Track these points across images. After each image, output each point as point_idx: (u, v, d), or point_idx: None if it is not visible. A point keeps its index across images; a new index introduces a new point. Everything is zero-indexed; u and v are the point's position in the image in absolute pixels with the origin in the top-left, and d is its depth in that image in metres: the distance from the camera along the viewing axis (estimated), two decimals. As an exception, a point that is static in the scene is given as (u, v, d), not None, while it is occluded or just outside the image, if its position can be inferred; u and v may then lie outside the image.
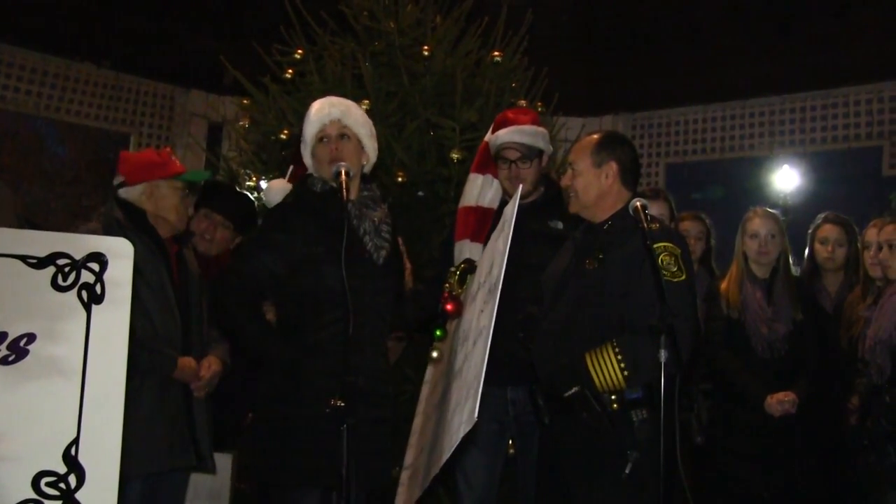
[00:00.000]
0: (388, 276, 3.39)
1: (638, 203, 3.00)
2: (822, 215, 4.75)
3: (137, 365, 3.04)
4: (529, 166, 3.87)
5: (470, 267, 3.45)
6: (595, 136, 3.41)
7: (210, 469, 3.61)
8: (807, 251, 4.79)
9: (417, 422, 3.68)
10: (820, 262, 4.66)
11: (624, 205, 3.24)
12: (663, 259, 3.03)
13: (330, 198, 3.28)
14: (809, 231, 4.75)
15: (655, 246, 3.00)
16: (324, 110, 3.40)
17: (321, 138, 3.39)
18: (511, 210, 3.04)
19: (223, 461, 4.00)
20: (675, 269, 3.04)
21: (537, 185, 3.94)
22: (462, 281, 3.41)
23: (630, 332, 3.03)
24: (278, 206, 3.46)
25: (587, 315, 3.15)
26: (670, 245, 3.08)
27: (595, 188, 3.32)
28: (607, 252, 3.18)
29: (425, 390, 3.75)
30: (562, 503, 3.20)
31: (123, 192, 3.53)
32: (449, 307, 3.29)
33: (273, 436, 3.22)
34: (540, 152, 3.93)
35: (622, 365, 2.97)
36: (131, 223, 3.43)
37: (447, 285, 3.39)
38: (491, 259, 3.10)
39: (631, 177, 3.37)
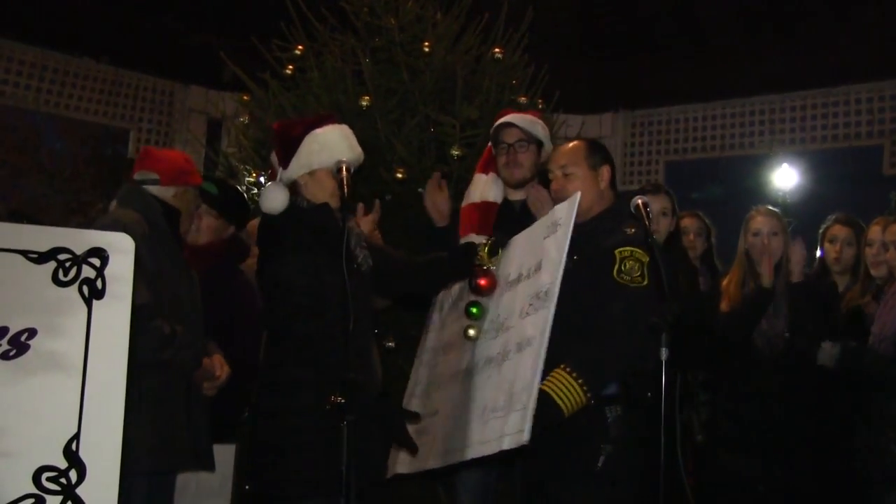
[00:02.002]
0: (370, 281, 3.40)
1: (640, 201, 2.99)
2: (832, 216, 4.74)
3: (163, 360, 3.10)
4: (527, 150, 3.85)
5: (500, 240, 3.44)
6: (582, 142, 3.47)
7: (209, 467, 3.60)
8: (817, 251, 4.79)
9: (422, 372, 3.68)
10: (829, 262, 4.66)
11: (609, 205, 3.32)
12: (626, 263, 3.05)
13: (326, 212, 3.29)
14: (820, 231, 4.75)
15: (621, 250, 3.05)
16: (356, 149, 3.37)
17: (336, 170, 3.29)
18: (568, 212, 3.00)
19: (225, 453, 4.00)
20: (636, 275, 3.04)
21: (533, 178, 3.92)
22: (493, 252, 3.40)
23: (582, 339, 3.01)
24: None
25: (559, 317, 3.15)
26: (638, 251, 3.07)
27: (592, 192, 3.31)
28: (583, 252, 3.18)
29: (431, 337, 3.75)
30: (540, 497, 3.21)
31: (155, 191, 3.49)
32: (483, 282, 3.31)
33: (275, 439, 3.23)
34: (539, 143, 3.92)
35: (580, 381, 2.93)
36: (167, 222, 3.41)
37: (478, 257, 3.39)
38: (536, 256, 3.08)
39: (615, 180, 3.45)
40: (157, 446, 3.18)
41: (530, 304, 2.96)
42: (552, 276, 2.89)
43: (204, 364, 3.41)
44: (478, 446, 2.96)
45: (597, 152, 3.40)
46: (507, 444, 2.75)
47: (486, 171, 4.02)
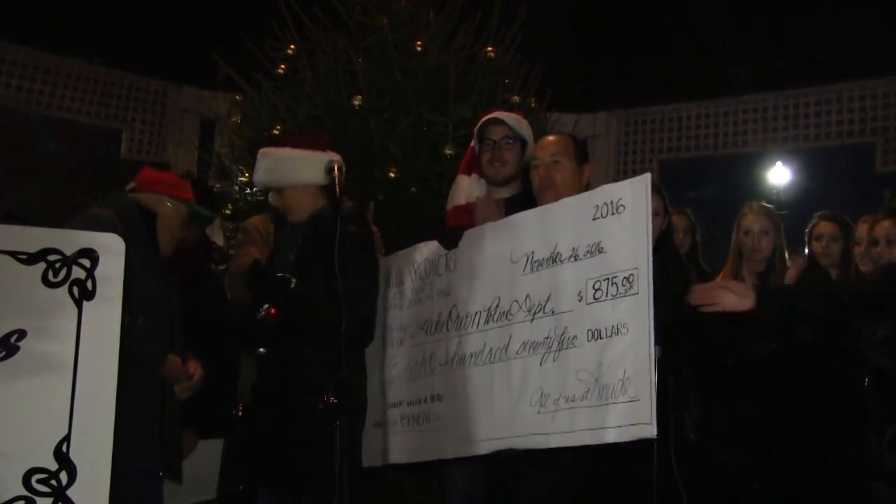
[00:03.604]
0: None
1: None
2: (817, 213, 4.75)
3: (129, 352, 3.03)
4: (512, 148, 3.81)
5: (454, 232, 3.40)
6: (567, 135, 3.48)
7: (176, 478, 3.56)
8: (805, 249, 4.79)
9: (396, 354, 3.47)
10: (816, 258, 4.67)
11: None
12: None
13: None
14: (807, 230, 4.76)
15: None
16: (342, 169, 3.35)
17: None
18: (635, 193, 2.79)
19: (211, 448, 4.00)
20: None
21: (517, 177, 3.90)
22: (451, 245, 3.38)
23: None
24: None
25: None
26: None
27: (576, 186, 3.28)
28: None
29: (397, 315, 3.52)
30: (507, 474, 3.21)
31: (133, 196, 3.49)
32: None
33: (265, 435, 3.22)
34: (523, 142, 3.91)
35: None
36: (142, 221, 3.41)
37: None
38: (588, 237, 2.86)
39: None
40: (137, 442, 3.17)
41: (597, 289, 2.77)
42: (635, 262, 2.68)
43: (176, 365, 3.39)
44: (556, 436, 2.78)
45: (582, 150, 3.42)
46: (619, 436, 2.61)
47: (468, 173, 3.99)
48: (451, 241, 3.36)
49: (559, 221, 2.98)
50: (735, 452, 4.26)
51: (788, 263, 4.45)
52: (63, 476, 2.36)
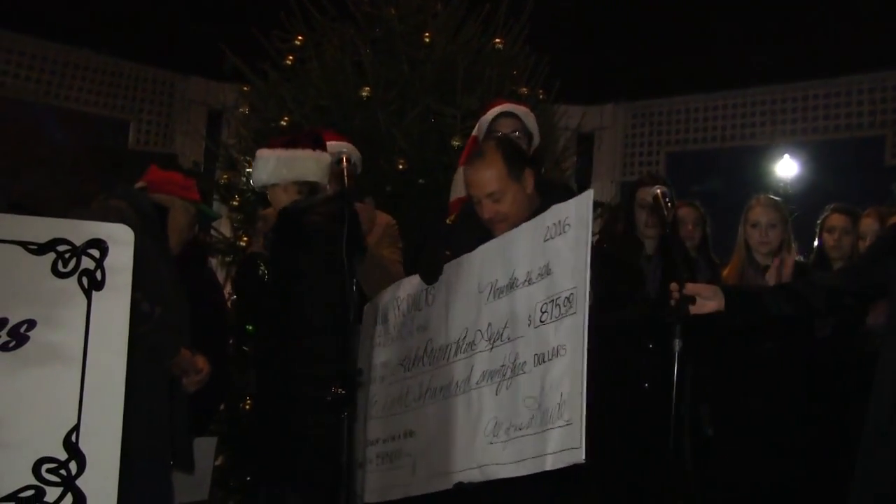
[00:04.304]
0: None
1: (658, 191, 2.94)
2: (829, 206, 4.75)
3: (141, 342, 3.03)
4: (521, 140, 3.80)
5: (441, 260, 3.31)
6: (499, 159, 3.19)
7: (188, 469, 3.58)
8: (815, 241, 4.78)
9: (378, 391, 3.45)
10: (827, 251, 4.66)
11: (536, 206, 3.15)
12: None
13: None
14: (818, 221, 4.75)
15: None
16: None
17: None
18: (578, 211, 2.79)
19: (205, 445, 4.01)
20: None
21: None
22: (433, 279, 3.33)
23: None
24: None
25: None
26: None
27: (522, 203, 3.20)
28: None
29: (381, 352, 3.50)
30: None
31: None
32: None
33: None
34: (530, 135, 3.89)
35: None
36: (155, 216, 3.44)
37: None
38: (539, 260, 2.86)
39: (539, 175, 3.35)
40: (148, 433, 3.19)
41: (543, 312, 2.76)
42: (574, 280, 2.67)
43: (186, 357, 3.40)
44: (506, 467, 2.75)
45: (515, 161, 3.23)
46: (554, 463, 2.58)
47: None
48: (430, 274, 3.31)
49: (516, 247, 2.98)
50: (748, 448, 4.24)
51: (798, 258, 4.44)
52: (72, 466, 2.37)
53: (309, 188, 3.68)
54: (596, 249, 2.93)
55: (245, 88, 5.72)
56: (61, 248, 2.49)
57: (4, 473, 2.34)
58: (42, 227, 2.51)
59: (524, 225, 3.02)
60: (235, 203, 5.47)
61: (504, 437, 2.80)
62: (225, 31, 6.00)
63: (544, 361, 2.71)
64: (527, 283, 2.88)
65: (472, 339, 3.05)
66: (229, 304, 4.79)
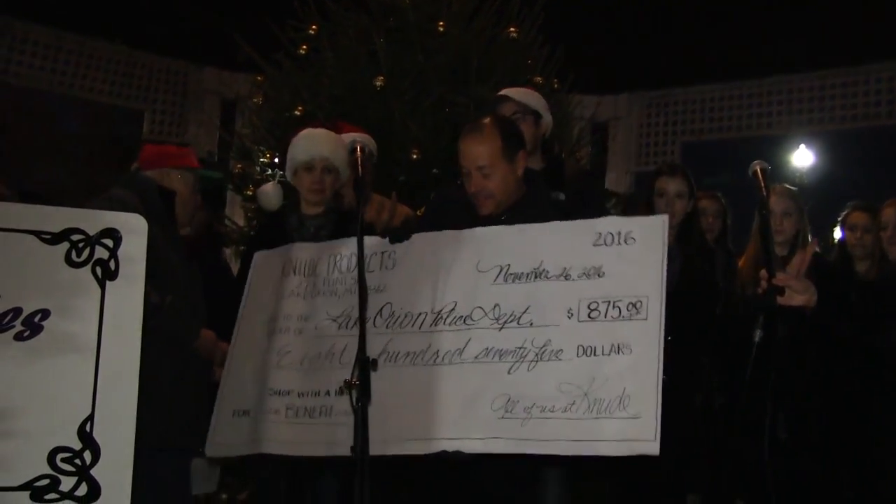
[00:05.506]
0: None
1: (759, 167, 2.87)
2: (850, 203, 4.71)
3: (159, 331, 3.00)
4: (524, 121, 3.74)
5: (406, 226, 3.32)
6: (496, 134, 3.20)
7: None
8: (837, 236, 4.76)
9: (290, 341, 3.31)
10: (850, 248, 4.63)
11: (523, 192, 3.23)
12: None
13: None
14: (839, 219, 4.72)
15: None
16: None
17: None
18: (651, 233, 2.92)
19: None
20: None
21: (535, 151, 3.85)
22: (396, 239, 3.28)
23: None
24: None
25: None
26: None
27: (512, 184, 3.23)
28: None
29: (293, 303, 3.38)
30: None
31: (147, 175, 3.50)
32: None
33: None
34: (536, 115, 3.86)
35: None
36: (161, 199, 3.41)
37: None
38: (584, 260, 2.98)
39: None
40: (172, 424, 3.19)
41: (592, 309, 2.88)
42: (644, 289, 2.82)
43: (211, 338, 3.40)
44: (531, 443, 2.82)
45: (511, 140, 3.23)
46: (615, 450, 2.69)
47: None
48: (398, 236, 3.28)
49: (547, 241, 3.06)
50: (821, 456, 4.16)
51: (817, 248, 4.39)
52: (87, 455, 2.38)
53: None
54: None
55: (259, 78, 5.72)
56: (75, 237, 2.50)
57: (20, 463, 2.34)
58: (56, 217, 2.52)
59: (559, 223, 3.09)
60: (249, 193, 5.46)
61: (523, 414, 2.85)
62: (239, 21, 6.00)
63: (595, 355, 2.83)
64: (563, 278, 2.97)
65: (465, 313, 3.08)
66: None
